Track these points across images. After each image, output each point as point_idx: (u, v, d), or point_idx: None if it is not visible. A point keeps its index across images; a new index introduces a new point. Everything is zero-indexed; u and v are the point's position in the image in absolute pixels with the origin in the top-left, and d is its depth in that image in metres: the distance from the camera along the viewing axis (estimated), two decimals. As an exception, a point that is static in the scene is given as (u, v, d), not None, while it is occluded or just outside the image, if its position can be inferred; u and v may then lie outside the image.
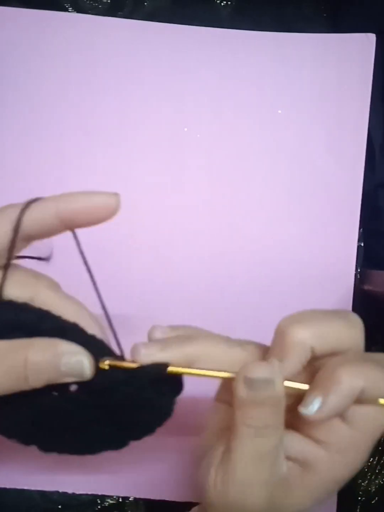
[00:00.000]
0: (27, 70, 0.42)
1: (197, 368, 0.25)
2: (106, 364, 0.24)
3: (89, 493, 0.40)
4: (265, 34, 0.43)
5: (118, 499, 0.41)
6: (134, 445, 0.40)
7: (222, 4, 0.44)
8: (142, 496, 0.40)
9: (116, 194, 0.26)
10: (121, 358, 0.25)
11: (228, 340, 0.27)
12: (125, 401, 0.25)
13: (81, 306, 0.27)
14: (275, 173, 0.43)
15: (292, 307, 0.42)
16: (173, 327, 0.28)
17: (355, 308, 0.42)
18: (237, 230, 0.42)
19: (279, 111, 0.43)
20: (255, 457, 0.24)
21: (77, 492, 0.40)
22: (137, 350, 0.25)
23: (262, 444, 0.24)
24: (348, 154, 0.43)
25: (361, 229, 0.43)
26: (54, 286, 0.27)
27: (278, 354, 0.25)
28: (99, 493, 0.40)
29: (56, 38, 0.43)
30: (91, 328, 0.26)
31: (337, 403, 0.23)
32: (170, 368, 0.24)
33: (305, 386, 0.24)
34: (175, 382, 0.25)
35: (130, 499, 0.41)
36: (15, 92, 0.42)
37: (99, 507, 0.41)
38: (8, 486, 0.40)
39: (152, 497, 0.40)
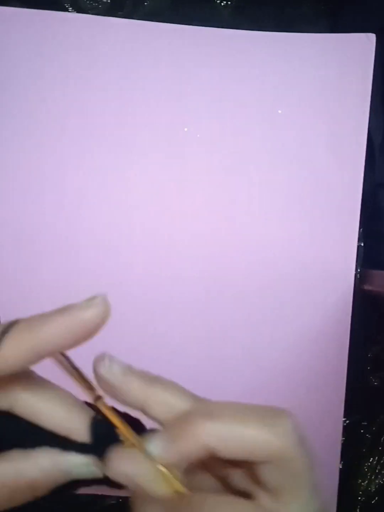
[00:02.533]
0: (27, 70, 0.42)
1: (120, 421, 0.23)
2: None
3: (89, 493, 0.40)
4: (265, 34, 0.43)
5: (118, 499, 0.41)
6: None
7: (222, 4, 0.44)
8: (142, 496, 0.40)
9: (102, 301, 0.21)
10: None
11: (185, 393, 0.24)
12: None
13: (64, 400, 0.23)
14: (275, 173, 0.43)
15: (292, 307, 0.42)
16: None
17: (355, 308, 0.42)
18: (237, 230, 0.42)
19: (279, 111, 0.43)
20: None
21: (77, 492, 0.40)
22: (102, 360, 0.23)
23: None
24: (348, 154, 0.43)
25: (361, 229, 0.43)
26: (31, 385, 0.23)
27: (171, 434, 0.22)
28: (99, 493, 0.40)
29: (56, 38, 0.43)
30: (81, 427, 0.23)
31: (180, 451, 0.22)
32: (99, 404, 0.23)
33: (176, 482, 0.22)
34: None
35: (130, 499, 0.41)
36: (15, 92, 0.42)
37: (99, 507, 0.40)
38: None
39: (152, 497, 0.40)
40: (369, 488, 0.42)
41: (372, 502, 0.42)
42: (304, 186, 0.43)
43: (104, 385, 0.23)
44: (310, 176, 0.43)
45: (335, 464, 0.42)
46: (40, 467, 0.22)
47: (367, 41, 0.43)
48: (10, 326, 0.21)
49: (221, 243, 0.42)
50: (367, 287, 0.42)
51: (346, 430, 0.42)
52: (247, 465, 0.22)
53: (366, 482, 0.42)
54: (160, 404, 0.23)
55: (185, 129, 0.43)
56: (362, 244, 0.43)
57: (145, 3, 0.44)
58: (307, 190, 0.43)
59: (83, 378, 0.23)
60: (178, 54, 0.43)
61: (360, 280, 0.42)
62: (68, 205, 0.42)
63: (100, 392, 0.24)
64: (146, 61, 0.43)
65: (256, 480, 0.22)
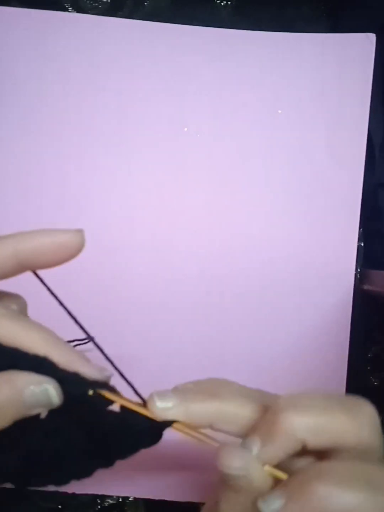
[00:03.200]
0: (27, 70, 0.42)
1: (202, 433, 0.23)
2: (90, 392, 0.22)
3: (89, 493, 0.40)
4: (265, 34, 0.43)
5: (118, 499, 0.41)
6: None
7: (222, 4, 0.44)
8: (142, 496, 0.40)
9: (79, 231, 0.24)
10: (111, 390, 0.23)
11: (249, 395, 0.25)
12: (111, 429, 0.24)
13: (45, 332, 0.23)
14: (275, 173, 0.43)
15: (292, 307, 0.42)
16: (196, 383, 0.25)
17: (355, 308, 0.42)
18: (237, 230, 0.42)
19: (279, 111, 0.43)
20: None
21: (77, 492, 0.40)
22: (152, 401, 0.23)
23: None
24: (348, 154, 0.43)
25: (361, 229, 0.43)
26: (11, 313, 0.23)
27: (264, 435, 0.23)
28: (99, 493, 0.40)
29: (56, 38, 0.43)
30: (60, 356, 0.22)
31: (277, 448, 0.22)
32: (175, 425, 0.23)
33: (283, 476, 0.23)
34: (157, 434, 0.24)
35: (130, 499, 0.41)
36: (15, 92, 0.42)
37: (99, 507, 0.40)
38: (8, 486, 0.40)
39: (152, 497, 0.40)
40: (369, 488, 0.42)
41: (372, 502, 0.42)
42: (304, 186, 0.43)
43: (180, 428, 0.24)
44: (310, 176, 0.43)
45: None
46: None
47: (367, 41, 0.43)
48: None
49: (221, 243, 0.42)
50: (367, 287, 0.42)
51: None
52: (316, 455, 0.23)
53: (366, 482, 0.42)
54: (227, 421, 0.24)
55: (185, 129, 0.43)
56: (362, 244, 0.43)
57: (145, 3, 0.44)
58: (307, 190, 0.43)
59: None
60: (178, 54, 0.43)
61: (360, 280, 0.42)
62: (68, 205, 0.42)
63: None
64: (146, 61, 0.43)
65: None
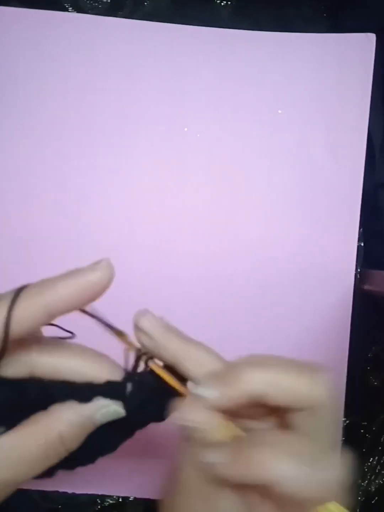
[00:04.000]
0: (27, 70, 0.42)
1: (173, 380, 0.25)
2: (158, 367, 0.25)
3: (89, 493, 0.40)
4: (265, 34, 0.43)
5: (118, 499, 0.41)
6: (134, 445, 0.40)
7: (222, 4, 0.44)
8: (142, 496, 0.40)
9: (107, 264, 0.23)
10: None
11: (216, 354, 0.26)
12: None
13: (80, 353, 0.24)
14: (275, 173, 0.43)
15: (292, 307, 0.42)
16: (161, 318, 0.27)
17: (355, 308, 0.42)
18: (237, 230, 0.42)
19: (279, 111, 0.43)
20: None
21: (77, 492, 0.40)
22: (141, 316, 0.25)
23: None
24: (348, 154, 0.43)
25: (361, 229, 0.43)
26: (45, 347, 0.24)
27: (222, 381, 0.23)
28: (99, 493, 0.40)
29: (56, 38, 0.43)
30: (102, 374, 0.24)
31: (230, 395, 0.23)
32: (152, 366, 0.25)
33: (240, 432, 0.24)
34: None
35: (130, 499, 0.41)
36: (15, 92, 0.42)
37: (99, 507, 0.41)
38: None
39: (152, 497, 0.40)
40: (369, 488, 0.42)
41: (372, 502, 0.42)
42: (304, 186, 0.43)
43: (143, 339, 0.25)
44: (310, 176, 0.43)
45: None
46: (64, 418, 0.23)
47: (367, 41, 0.43)
48: (21, 289, 0.22)
49: (221, 243, 0.42)
50: (367, 287, 0.42)
51: (346, 430, 0.42)
52: (278, 415, 0.24)
53: (366, 482, 0.42)
54: (195, 361, 0.25)
55: (185, 129, 0.43)
56: (362, 244, 0.43)
57: (145, 3, 0.44)
58: (307, 190, 0.43)
59: (116, 330, 0.25)
60: (178, 54, 0.43)
61: (360, 280, 0.42)
62: (68, 205, 0.42)
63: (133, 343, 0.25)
64: (146, 61, 0.43)
65: (284, 428, 0.24)
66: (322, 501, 0.22)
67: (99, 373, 0.24)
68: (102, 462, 0.41)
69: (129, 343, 0.25)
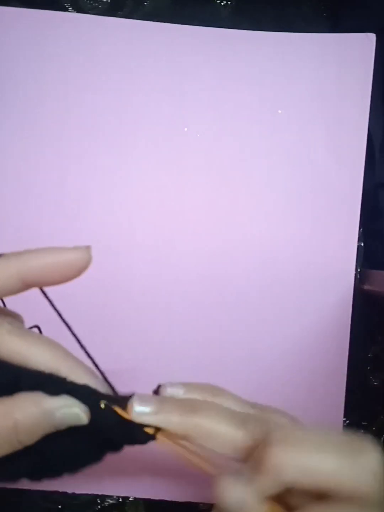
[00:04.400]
0: (27, 70, 0.42)
1: (186, 448, 0.23)
2: (102, 405, 0.23)
3: (89, 493, 0.40)
4: (265, 34, 0.43)
5: (118, 499, 0.41)
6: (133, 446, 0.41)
7: (222, 4, 0.44)
8: (142, 496, 0.40)
9: (86, 249, 0.24)
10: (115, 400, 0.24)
11: (233, 417, 0.23)
12: (104, 428, 0.24)
13: (53, 347, 0.24)
14: (275, 173, 0.43)
15: (292, 307, 0.42)
16: (188, 385, 0.25)
17: (355, 308, 0.42)
18: (237, 230, 0.42)
19: (279, 111, 0.43)
20: None
21: (77, 492, 0.40)
22: (131, 404, 0.23)
23: None
24: (348, 154, 0.43)
25: (361, 229, 0.43)
26: (17, 329, 0.23)
27: (255, 469, 0.21)
28: (99, 493, 0.40)
29: (56, 38, 0.43)
30: (69, 370, 0.23)
31: (262, 484, 0.21)
32: (159, 438, 0.23)
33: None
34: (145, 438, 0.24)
35: (130, 499, 0.41)
36: (15, 92, 0.42)
37: (99, 507, 0.40)
38: (8, 486, 0.40)
39: (152, 497, 0.40)
40: (369, 488, 0.42)
41: (372, 502, 0.42)
42: (304, 186, 0.43)
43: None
44: (310, 176, 0.43)
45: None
46: (23, 407, 0.22)
47: (367, 41, 0.43)
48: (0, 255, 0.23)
49: (221, 243, 0.42)
50: (367, 287, 0.42)
51: (346, 430, 0.42)
52: (319, 495, 0.21)
53: (366, 482, 0.42)
54: (206, 436, 0.23)
55: (185, 129, 0.43)
56: (362, 244, 0.43)
57: (145, 3, 0.44)
58: (307, 190, 0.43)
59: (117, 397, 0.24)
60: (178, 54, 0.43)
61: (360, 280, 0.42)
62: (68, 205, 0.42)
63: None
64: (146, 61, 0.43)
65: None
66: None
67: (67, 370, 0.23)
68: (102, 462, 0.41)
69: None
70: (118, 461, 0.40)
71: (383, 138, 0.44)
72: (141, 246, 0.42)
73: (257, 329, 0.42)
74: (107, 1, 0.43)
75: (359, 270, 0.42)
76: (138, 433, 0.23)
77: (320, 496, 0.21)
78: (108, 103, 0.43)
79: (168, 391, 0.24)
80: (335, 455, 0.20)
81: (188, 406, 0.23)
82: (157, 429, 0.23)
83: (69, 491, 0.40)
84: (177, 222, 0.42)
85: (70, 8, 0.43)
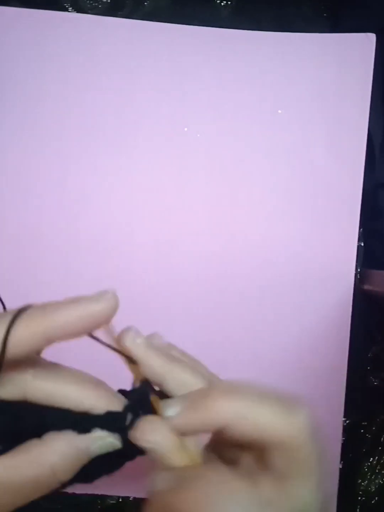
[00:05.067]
0: (27, 70, 0.42)
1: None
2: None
3: (89, 493, 0.40)
4: (265, 34, 0.43)
5: (118, 499, 0.41)
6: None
7: (222, 4, 0.44)
8: (142, 496, 0.40)
9: (112, 297, 0.22)
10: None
11: (203, 375, 0.25)
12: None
13: (78, 380, 0.24)
14: (275, 173, 0.43)
15: (292, 307, 0.42)
16: (171, 345, 0.27)
17: (355, 308, 0.42)
18: (237, 230, 0.42)
19: (279, 111, 0.43)
20: None
21: (77, 492, 0.40)
22: (128, 331, 0.25)
23: None
24: (348, 154, 0.43)
25: (361, 229, 0.43)
26: (41, 371, 0.23)
27: (189, 404, 0.23)
28: (99, 493, 0.40)
29: (56, 38, 0.43)
30: (99, 403, 0.23)
31: (195, 419, 0.22)
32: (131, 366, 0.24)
33: (198, 458, 0.23)
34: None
35: (130, 499, 0.41)
36: (15, 92, 0.42)
37: (99, 507, 0.40)
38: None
39: None
40: (369, 488, 0.42)
41: (372, 502, 0.42)
42: (304, 186, 0.43)
43: (127, 356, 0.24)
44: (310, 176, 0.43)
45: (335, 464, 0.42)
46: (57, 450, 0.22)
47: (367, 41, 0.43)
48: (23, 310, 0.22)
49: (221, 243, 0.42)
50: (367, 287, 0.42)
51: (346, 430, 0.42)
52: (256, 449, 0.23)
53: (366, 482, 0.42)
54: (177, 382, 0.24)
55: (185, 129, 0.43)
56: (362, 244, 0.43)
57: (145, 3, 0.44)
58: (307, 190, 0.43)
59: (127, 356, 0.24)
60: (178, 54, 0.43)
61: (360, 280, 0.42)
62: (68, 205, 0.42)
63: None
64: (146, 61, 0.43)
65: (263, 465, 0.22)
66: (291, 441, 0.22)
67: (96, 402, 0.23)
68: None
69: (136, 371, 0.24)
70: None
71: (383, 138, 0.44)
72: (141, 246, 0.42)
73: (257, 329, 0.42)
74: (107, 1, 0.43)
75: (359, 270, 0.42)
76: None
77: (247, 447, 0.23)
78: (108, 103, 0.43)
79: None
80: (272, 406, 0.22)
81: (170, 354, 0.25)
82: (132, 361, 0.24)
83: (69, 491, 0.40)
84: (177, 222, 0.42)
85: (70, 8, 0.43)
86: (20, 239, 0.42)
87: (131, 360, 0.24)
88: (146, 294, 0.42)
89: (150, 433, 0.22)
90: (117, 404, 0.23)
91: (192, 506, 0.21)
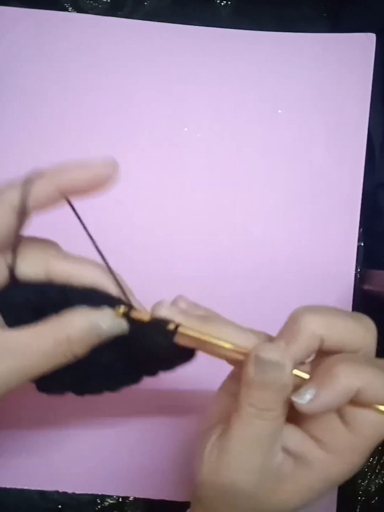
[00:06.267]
0: (27, 70, 0.42)
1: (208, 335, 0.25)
2: (120, 311, 0.26)
3: (89, 493, 0.40)
4: (265, 34, 0.43)
5: (118, 499, 0.41)
6: (133, 445, 0.41)
7: (222, 4, 0.44)
8: (142, 496, 0.40)
9: (111, 163, 0.27)
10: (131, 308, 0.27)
11: (241, 328, 0.27)
12: (141, 345, 0.26)
13: (92, 265, 0.27)
14: (275, 173, 0.43)
15: (292, 307, 0.42)
16: (195, 304, 0.29)
17: (355, 308, 0.42)
18: (237, 230, 0.42)
19: (279, 111, 0.43)
20: (252, 439, 0.24)
21: (77, 492, 0.40)
22: (158, 306, 0.27)
23: (261, 427, 0.24)
24: (348, 154, 0.43)
25: (361, 229, 0.43)
26: (61, 254, 0.28)
27: (287, 338, 0.25)
28: (99, 493, 0.40)
29: (56, 38, 0.43)
30: (108, 285, 0.27)
31: (329, 398, 0.23)
32: (181, 329, 0.25)
33: (307, 376, 0.24)
34: (186, 353, 0.27)
35: (130, 499, 0.41)
36: (15, 91, 0.42)
37: (99, 507, 0.40)
38: (8, 486, 0.40)
39: (152, 497, 0.40)
40: (369, 488, 0.42)
41: (372, 502, 0.42)
42: (304, 186, 0.43)
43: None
44: (310, 176, 0.43)
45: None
46: (74, 323, 0.25)
47: (367, 41, 0.43)
48: (38, 172, 0.25)
49: (221, 243, 0.42)
50: (367, 287, 0.42)
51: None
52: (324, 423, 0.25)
53: (366, 482, 0.42)
54: (218, 338, 0.26)
55: (185, 129, 0.43)
56: (362, 244, 0.43)
57: (145, 3, 0.44)
58: (307, 190, 0.43)
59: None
60: (178, 54, 0.43)
61: (360, 280, 0.42)
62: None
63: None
64: (146, 61, 0.43)
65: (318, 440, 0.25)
66: None
67: (111, 285, 0.27)
68: (102, 462, 0.41)
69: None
70: (118, 461, 0.40)
71: (383, 138, 0.44)
72: (141, 246, 0.42)
73: (257, 328, 0.42)
74: (107, 1, 0.43)
75: (359, 270, 0.42)
76: (161, 335, 0.26)
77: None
78: (108, 103, 0.43)
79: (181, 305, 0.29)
80: (348, 317, 0.25)
81: (202, 317, 0.27)
82: (176, 326, 0.26)
83: (69, 491, 0.40)
84: (177, 222, 0.42)
85: (70, 8, 0.43)
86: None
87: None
88: (146, 293, 0.42)
89: (275, 354, 0.24)
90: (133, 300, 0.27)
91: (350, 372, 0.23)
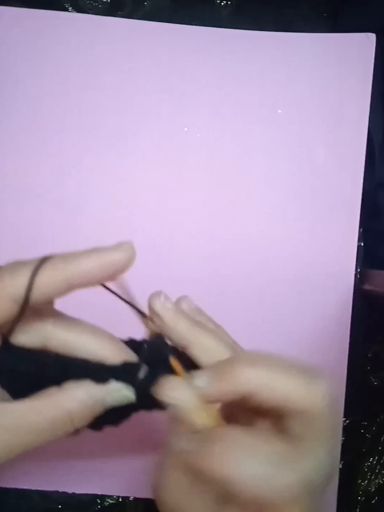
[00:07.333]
0: (27, 70, 0.42)
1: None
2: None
3: (89, 493, 0.40)
4: (265, 34, 0.43)
5: (118, 499, 0.41)
6: (133, 445, 0.41)
7: (222, 4, 0.44)
8: (142, 496, 0.40)
9: (129, 247, 0.24)
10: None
11: (226, 342, 0.26)
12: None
13: (94, 333, 0.25)
14: (275, 173, 0.43)
15: (292, 307, 0.42)
16: (199, 309, 0.28)
17: (355, 308, 0.42)
18: (237, 230, 0.42)
19: (279, 111, 0.43)
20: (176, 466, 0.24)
21: (77, 492, 0.40)
22: (154, 297, 0.26)
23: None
24: (348, 154, 0.43)
25: (361, 229, 0.43)
26: (61, 321, 0.25)
27: (215, 373, 0.24)
28: (99, 493, 0.40)
29: (56, 38, 0.43)
30: (113, 354, 0.25)
31: (222, 389, 0.23)
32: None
33: (221, 421, 0.24)
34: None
35: (130, 499, 0.41)
36: (15, 91, 0.42)
37: (99, 507, 0.40)
38: (8, 486, 0.40)
39: (152, 497, 0.40)
40: (369, 488, 0.42)
41: (372, 502, 0.42)
42: (304, 186, 0.43)
43: (155, 320, 0.26)
44: (310, 176, 0.43)
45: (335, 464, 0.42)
46: (76, 397, 0.23)
47: (367, 41, 0.43)
48: (46, 258, 0.23)
49: (221, 243, 0.42)
50: (367, 287, 0.42)
51: (346, 430, 0.42)
52: (273, 415, 0.24)
53: (366, 482, 0.42)
54: (201, 348, 0.25)
55: (185, 129, 0.43)
56: (362, 244, 0.43)
57: (145, 3, 0.44)
58: (307, 190, 0.43)
59: (140, 311, 0.26)
60: (178, 54, 0.43)
61: (360, 280, 0.42)
62: (67, 205, 0.42)
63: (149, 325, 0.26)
64: (146, 61, 0.43)
65: (279, 429, 0.24)
66: (282, 504, 0.22)
67: (111, 354, 0.25)
68: (102, 462, 0.41)
69: (150, 326, 0.26)
70: (118, 461, 0.40)
71: (383, 138, 0.44)
72: (141, 246, 0.42)
73: (257, 328, 0.42)
74: (107, 1, 0.43)
75: (359, 270, 0.42)
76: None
77: (263, 412, 0.24)
78: (108, 103, 0.43)
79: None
80: (295, 375, 0.23)
81: (196, 320, 0.26)
82: (144, 315, 0.25)
83: (69, 491, 0.40)
84: (177, 222, 0.42)
85: (70, 8, 0.43)
86: (20, 239, 0.42)
87: (143, 314, 0.26)
88: (146, 294, 0.42)
89: (174, 390, 0.23)
90: (131, 356, 0.25)
91: (216, 465, 0.22)
